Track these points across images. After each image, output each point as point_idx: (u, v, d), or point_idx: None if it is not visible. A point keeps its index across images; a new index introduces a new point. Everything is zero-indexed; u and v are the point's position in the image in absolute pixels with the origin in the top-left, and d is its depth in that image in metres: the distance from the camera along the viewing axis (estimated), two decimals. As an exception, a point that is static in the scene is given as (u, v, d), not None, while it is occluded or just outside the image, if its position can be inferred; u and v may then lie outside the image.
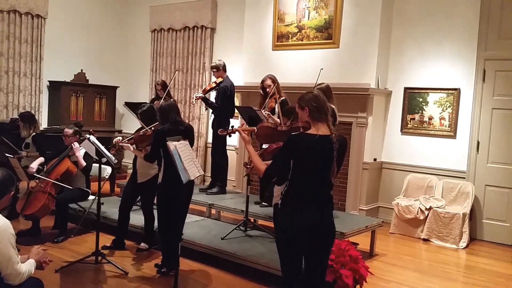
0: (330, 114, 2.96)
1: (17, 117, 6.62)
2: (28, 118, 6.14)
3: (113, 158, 4.61)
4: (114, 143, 4.90)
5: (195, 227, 5.36)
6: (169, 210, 4.24)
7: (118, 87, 9.61)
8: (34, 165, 5.38)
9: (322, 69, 6.08)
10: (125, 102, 6.76)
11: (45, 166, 5.47)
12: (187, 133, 4.42)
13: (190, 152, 3.78)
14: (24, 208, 5.01)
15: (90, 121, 9.09)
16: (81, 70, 9.27)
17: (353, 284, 4.00)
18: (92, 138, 4.48)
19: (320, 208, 2.88)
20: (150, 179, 4.94)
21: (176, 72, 8.62)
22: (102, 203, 4.74)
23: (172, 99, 6.91)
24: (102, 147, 4.51)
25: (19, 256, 2.84)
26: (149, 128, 4.65)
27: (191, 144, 4.43)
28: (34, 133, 6.07)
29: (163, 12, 9.36)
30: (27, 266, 2.72)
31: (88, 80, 9.35)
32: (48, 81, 8.93)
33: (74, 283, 4.14)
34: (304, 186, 2.85)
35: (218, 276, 4.50)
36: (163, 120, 4.43)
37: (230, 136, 3.61)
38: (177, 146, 3.56)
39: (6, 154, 4.86)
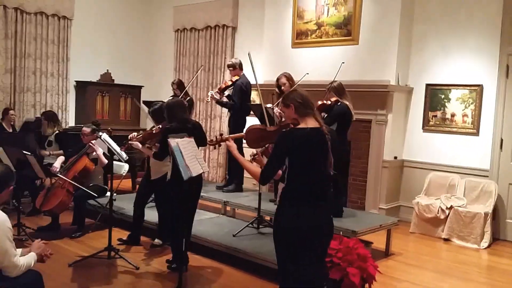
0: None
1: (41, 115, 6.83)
2: (51, 117, 6.34)
3: (124, 155, 4.69)
4: (129, 138, 5.00)
5: (208, 224, 5.40)
6: (177, 206, 4.28)
7: (143, 86, 9.77)
8: (57, 164, 5.56)
9: (344, 63, 5.97)
10: (142, 101, 6.86)
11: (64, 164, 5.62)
12: (195, 131, 4.45)
13: (194, 149, 3.80)
14: (43, 204, 5.17)
15: (115, 120, 9.28)
16: (107, 70, 9.47)
17: (360, 282, 3.94)
18: (104, 136, 4.58)
19: (320, 205, 2.85)
20: (163, 176, 4.99)
21: (202, 67, 8.63)
22: (115, 199, 4.85)
23: (189, 97, 7.00)
24: (114, 145, 4.60)
25: (21, 249, 2.93)
26: (157, 126, 4.71)
27: (202, 142, 4.46)
28: (57, 131, 6.24)
29: (186, 12, 9.46)
30: (25, 259, 2.80)
31: (113, 80, 9.54)
32: (75, 81, 9.15)
33: (85, 277, 4.24)
34: (303, 181, 2.83)
35: (228, 272, 4.52)
36: (170, 118, 4.48)
37: (220, 145, 3.56)
38: (179, 143, 3.59)
39: (24, 152, 5.01)
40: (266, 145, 3.40)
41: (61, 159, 5.71)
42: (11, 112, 7.11)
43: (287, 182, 2.88)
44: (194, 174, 3.64)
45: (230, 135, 3.65)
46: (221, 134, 3.51)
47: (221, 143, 3.49)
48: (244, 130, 4.15)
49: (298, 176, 2.84)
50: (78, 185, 5.18)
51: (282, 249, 2.89)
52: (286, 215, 2.84)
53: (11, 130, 7.00)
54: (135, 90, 9.64)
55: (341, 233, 4.54)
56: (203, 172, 4.11)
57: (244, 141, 3.78)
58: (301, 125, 2.88)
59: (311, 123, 2.88)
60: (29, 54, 8.37)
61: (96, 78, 9.34)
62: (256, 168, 3.00)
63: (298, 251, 2.82)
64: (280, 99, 3.01)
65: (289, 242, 2.83)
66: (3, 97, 7.98)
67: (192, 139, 3.99)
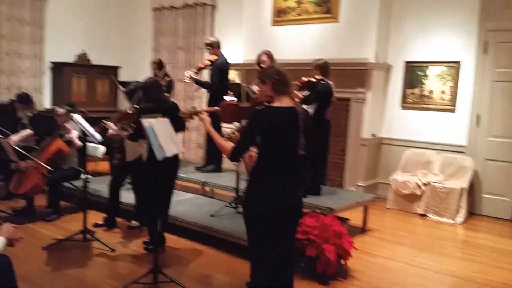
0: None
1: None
2: (24, 99, 6.20)
3: (98, 137, 4.61)
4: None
5: (187, 205, 5.37)
6: (153, 187, 4.23)
7: (121, 67, 9.61)
8: (15, 137, 5.39)
9: None
10: (119, 81, 6.74)
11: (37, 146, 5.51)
12: (172, 112, 4.37)
13: (169, 130, 3.74)
14: (17, 187, 5.08)
15: (92, 101, 9.16)
16: (83, 50, 9.29)
17: (336, 258, 3.97)
18: (76, 117, 4.49)
19: (291, 182, 2.84)
20: (138, 157, 4.92)
21: (169, 65, 8.39)
22: (89, 181, 4.75)
23: (169, 78, 6.89)
24: (87, 126, 4.52)
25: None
26: (133, 107, 4.62)
27: (179, 125, 4.37)
28: (30, 114, 6.11)
29: (163, -10, 9.26)
30: (-7, 244, 2.73)
31: (90, 60, 9.37)
32: (50, 62, 8.96)
33: (60, 260, 4.19)
34: (273, 160, 2.81)
35: (206, 252, 4.52)
36: (146, 98, 4.40)
37: (192, 118, 3.49)
38: (152, 123, 3.53)
39: (-5, 135, 4.91)
40: (244, 124, 3.35)
41: (24, 132, 5.58)
42: (-17, 94, 6.93)
43: (257, 161, 2.86)
44: (168, 155, 3.59)
45: (204, 108, 3.60)
46: (193, 107, 3.45)
47: (194, 116, 3.41)
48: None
49: (269, 155, 2.81)
50: (47, 167, 5.05)
51: (251, 228, 2.88)
52: (256, 193, 2.83)
53: (-17, 113, 6.83)
54: (112, 71, 9.48)
55: (317, 210, 4.57)
56: (178, 153, 4.05)
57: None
58: (276, 104, 2.84)
59: (286, 102, 2.84)
60: (3, 35, 8.16)
61: (72, 59, 9.16)
62: (227, 143, 2.96)
63: (267, 229, 2.82)
64: (259, 76, 2.94)
65: (258, 220, 2.82)
66: (-24, 80, 7.80)
67: (167, 119, 3.91)
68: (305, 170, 3.04)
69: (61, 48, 9.00)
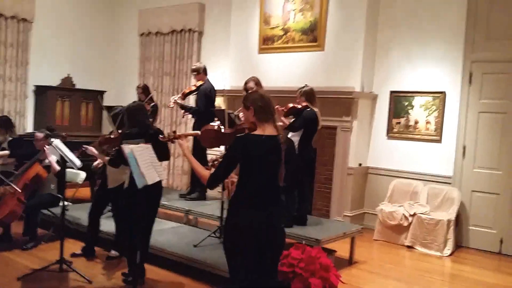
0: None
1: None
2: (5, 122, 6.03)
3: (78, 162, 4.47)
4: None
5: (169, 234, 5.22)
6: (134, 216, 4.09)
7: (106, 91, 9.49)
8: None
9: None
10: (103, 105, 6.63)
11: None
12: (156, 138, 4.26)
13: (151, 156, 3.63)
14: (-8, 213, 4.89)
15: (76, 126, 9.01)
16: (68, 74, 9.19)
17: (322, 293, 3.84)
18: (56, 142, 4.36)
19: (268, 210, 2.75)
20: (121, 184, 4.78)
21: (154, 92, 8.33)
22: (67, 209, 4.59)
23: (153, 103, 6.82)
24: (66, 152, 4.39)
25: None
26: (116, 131, 4.51)
27: (163, 150, 4.26)
28: (10, 138, 5.95)
29: (151, 16, 9.26)
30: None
31: (75, 84, 9.26)
32: (34, 85, 8.82)
33: (34, 292, 4.00)
34: (252, 188, 2.73)
35: (187, 285, 4.36)
36: (130, 122, 4.30)
37: (173, 142, 3.39)
38: (133, 149, 3.42)
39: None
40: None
41: (2, 153, 5.44)
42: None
43: (237, 188, 2.77)
44: (149, 182, 3.47)
45: (184, 133, 3.52)
46: (174, 131, 3.35)
47: (174, 140, 3.32)
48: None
49: (247, 183, 2.74)
50: (21, 195, 4.88)
51: (230, 256, 2.77)
52: (233, 220, 2.74)
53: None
54: (97, 95, 9.35)
55: (303, 242, 4.45)
56: (161, 180, 3.93)
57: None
58: (258, 131, 2.77)
59: (268, 130, 2.77)
60: (-14, 57, 8.02)
61: (57, 83, 9.04)
62: (204, 170, 2.87)
63: (245, 259, 2.72)
64: (242, 101, 2.88)
65: (235, 250, 2.73)
66: (-44, 102, 7.61)
67: (150, 146, 3.80)
68: (282, 202, 2.93)
69: (46, 71, 8.88)
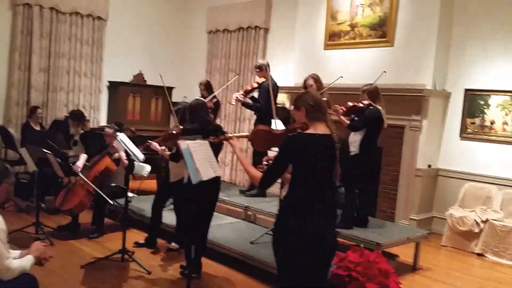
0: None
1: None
2: (77, 116, 6.34)
3: (141, 156, 4.59)
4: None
5: (227, 229, 5.24)
6: (192, 210, 4.14)
7: (175, 87, 9.72)
8: (80, 164, 5.52)
9: (385, 72, 5.47)
10: (172, 102, 6.78)
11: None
12: (216, 134, 4.29)
13: (208, 152, 3.64)
14: (62, 203, 5.15)
15: (147, 120, 9.31)
16: (140, 71, 9.51)
17: (379, 300, 3.68)
18: (121, 136, 4.50)
19: (324, 214, 2.65)
20: (182, 178, 4.87)
21: (237, 76, 8.45)
22: (130, 201, 4.74)
23: (216, 99, 6.88)
24: (131, 146, 4.52)
25: (20, 251, 2.86)
26: (178, 127, 4.59)
27: (217, 145, 4.27)
28: (81, 131, 6.25)
29: (220, 13, 9.37)
30: (20, 262, 2.70)
31: (146, 80, 9.58)
32: (108, 81, 9.23)
33: (96, 280, 4.16)
34: (306, 190, 2.64)
35: (241, 281, 4.35)
36: (191, 118, 4.37)
37: (222, 143, 3.37)
38: (189, 145, 3.44)
39: (43, 150, 5.00)
40: None
41: (84, 157, 5.69)
42: (39, 110, 7.19)
43: (289, 189, 2.70)
44: (204, 178, 3.48)
45: (235, 134, 3.50)
46: (224, 133, 3.34)
47: (225, 141, 3.30)
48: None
49: (300, 183, 2.65)
50: (94, 187, 5.08)
51: (280, 258, 2.70)
52: (285, 224, 2.67)
53: (38, 129, 7.08)
54: (166, 91, 9.58)
55: (362, 245, 4.29)
56: (218, 176, 3.94)
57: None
58: (310, 130, 2.68)
59: (321, 129, 2.67)
60: (63, 53, 8.48)
61: (129, 78, 9.39)
62: (256, 172, 2.81)
63: (294, 260, 2.64)
64: (293, 102, 2.81)
65: (284, 250, 2.66)
66: (36, 96, 8.11)
67: (207, 142, 3.81)
68: (337, 204, 2.81)
69: (119, 67, 9.25)
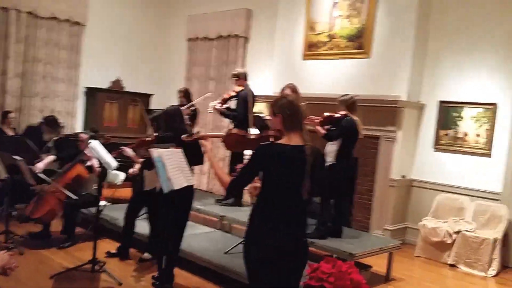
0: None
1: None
2: (51, 122, 6.22)
3: (114, 164, 4.54)
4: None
5: (201, 239, 5.21)
6: (164, 219, 4.10)
7: (153, 94, 9.69)
8: (41, 165, 5.37)
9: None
10: (146, 109, 6.75)
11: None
12: (189, 141, 4.26)
13: (180, 161, 3.62)
14: (33, 211, 5.05)
15: (123, 127, 9.22)
16: (117, 77, 9.43)
17: (351, 311, 3.69)
18: (93, 143, 4.45)
19: (291, 225, 2.64)
20: (155, 187, 4.82)
21: (211, 93, 8.37)
22: (101, 210, 4.67)
23: (194, 108, 6.86)
24: (103, 153, 4.46)
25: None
26: (152, 134, 4.56)
27: (197, 154, 4.24)
28: (56, 137, 6.14)
29: (199, 21, 9.37)
30: (-18, 273, 2.63)
31: (123, 87, 9.50)
32: (85, 87, 9.12)
33: (65, 291, 4.08)
34: (274, 200, 2.63)
35: (215, 292, 4.32)
36: (166, 126, 4.33)
37: (196, 142, 3.34)
38: (161, 154, 3.42)
39: (13, 156, 4.90)
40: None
41: (49, 158, 5.56)
42: (11, 115, 7.04)
43: (258, 198, 2.68)
44: (176, 187, 3.45)
45: (208, 133, 3.48)
46: (197, 132, 3.31)
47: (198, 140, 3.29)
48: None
49: (269, 193, 2.63)
50: (67, 192, 5.01)
51: (248, 267, 2.69)
52: (252, 232, 2.65)
53: (12, 134, 6.94)
54: (144, 98, 9.55)
55: (334, 255, 4.31)
56: (191, 185, 3.90)
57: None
58: (283, 140, 2.67)
59: (294, 139, 2.65)
60: (40, 59, 8.36)
61: (107, 85, 9.30)
62: (225, 176, 2.78)
63: (263, 272, 2.62)
64: (270, 107, 2.80)
65: (253, 261, 2.64)
66: (11, 101, 7.96)
67: (180, 150, 3.79)
68: (306, 215, 2.81)
69: (97, 73, 9.16)
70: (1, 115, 7.12)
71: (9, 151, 5.20)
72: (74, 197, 5.01)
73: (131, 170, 5.21)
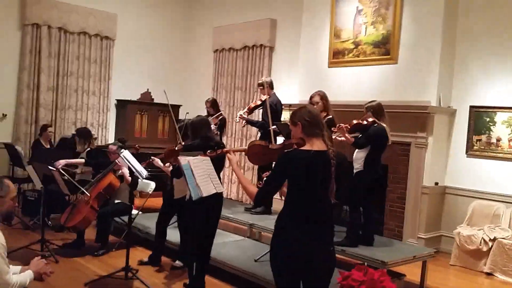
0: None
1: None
2: (84, 134, 6.37)
3: (144, 173, 4.61)
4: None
5: (231, 247, 5.22)
6: (194, 227, 4.13)
7: (181, 105, 9.81)
8: (63, 161, 5.53)
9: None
10: (176, 119, 6.83)
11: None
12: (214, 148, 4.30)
13: (208, 168, 3.63)
14: (67, 220, 5.16)
15: (153, 138, 9.37)
16: (147, 89, 9.61)
17: (384, 319, 3.62)
18: (124, 153, 4.53)
19: (318, 232, 2.63)
20: (185, 195, 4.87)
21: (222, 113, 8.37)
22: (133, 218, 4.74)
23: (221, 117, 6.93)
24: (134, 163, 4.54)
25: (21, 266, 2.87)
26: (180, 143, 4.62)
27: (219, 161, 4.26)
28: (88, 148, 6.28)
29: (225, 32, 9.47)
30: (19, 277, 2.71)
31: (153, 98, 9.66)
32: (116, 99, 9.33)
33: (99, 298, 4.15)
34: (300, 206, 2.63)
35: (246, 300, 4.31)
36: (194, 135, 4.39)
37: (224, 160, 3.37)
38: (190, 161, 3.45)
39: (49, 167, 5.04)
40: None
41: (72, 161, 5.73)
42: (49, 129, 7.29)
43: (285, 205, 2.69)
44: (205, 194, 3.47)
45: (232, 148, 3.50)
46: (222, 146, 3.35)
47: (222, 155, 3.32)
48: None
49: (294, 200, 2.64)
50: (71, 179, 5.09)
51: (275, 273, 2.69)
52: (279, 239, 2.65)
53: (48, 147, 7.15)
54: (173, 109, 9.61)
55: (365, 263, 4.24)
56: (220, 192, 3.92)
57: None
58: (306, 147, 2.68)
59: (317, 145, 2.67)
60: (72, 72, 8.61)
61: (136, 97, 9.48)
62: (252, 187, 2.81)
63: (290, 279, 2.62)
64: (290, 117, 2.82)
65: (280, 269, 2.65)
66: (45, 114, 8.22)
67: (208, 158, 3.82)
68: (332, 220, 2.80)
69: (126, 86, 9.36)
70: (40, 129, 7.36)
71: (45, 162, 5.35)
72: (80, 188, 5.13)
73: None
